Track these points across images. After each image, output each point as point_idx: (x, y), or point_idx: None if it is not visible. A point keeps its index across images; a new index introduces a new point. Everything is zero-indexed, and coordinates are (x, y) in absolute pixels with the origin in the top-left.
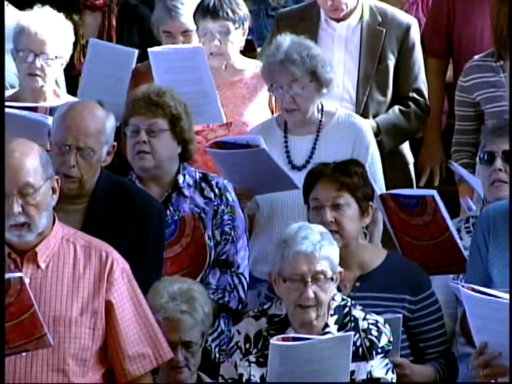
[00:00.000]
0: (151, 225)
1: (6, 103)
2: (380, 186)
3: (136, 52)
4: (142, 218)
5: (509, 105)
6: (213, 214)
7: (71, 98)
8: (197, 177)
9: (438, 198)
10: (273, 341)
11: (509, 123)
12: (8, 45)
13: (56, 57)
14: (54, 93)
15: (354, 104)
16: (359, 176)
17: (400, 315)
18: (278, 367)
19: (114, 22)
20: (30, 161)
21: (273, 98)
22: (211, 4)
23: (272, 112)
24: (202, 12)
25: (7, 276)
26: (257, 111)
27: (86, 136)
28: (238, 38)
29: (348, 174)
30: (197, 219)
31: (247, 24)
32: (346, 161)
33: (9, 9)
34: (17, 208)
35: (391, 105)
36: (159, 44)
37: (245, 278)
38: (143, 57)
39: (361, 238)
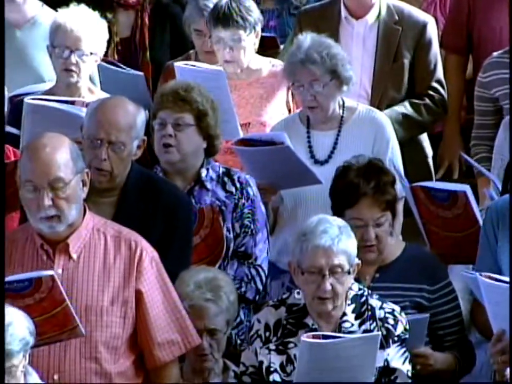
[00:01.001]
0: (180, 217)
1: (45, 96)
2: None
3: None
4: (170, 211)
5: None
6: (233, 207)
7: (105, 95)
8: (220, 172)
9: (470, 193)
10: (304, 338)
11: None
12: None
13: (90, 53)
14: (88, 89)
15: (369, 101)
16: (392, 185)
17: (427, 315)
18: (306, 363)
19: (147, 20)
20: (61, 155)
21: (290, 98)
22: (221, 13)
23: (289, 111)
24: (214, 20)
25: (39, 273)
26: (275, 111)
27: (117, 131)
28: (251, 42)
29: (388, 192)
30: (215, 211)
31: (259, 27)
32: (381, 174)
33: (45, 9)
34: (47, 202)
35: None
36: (190, 41)
37: (263, 270)
38: (174, 55)
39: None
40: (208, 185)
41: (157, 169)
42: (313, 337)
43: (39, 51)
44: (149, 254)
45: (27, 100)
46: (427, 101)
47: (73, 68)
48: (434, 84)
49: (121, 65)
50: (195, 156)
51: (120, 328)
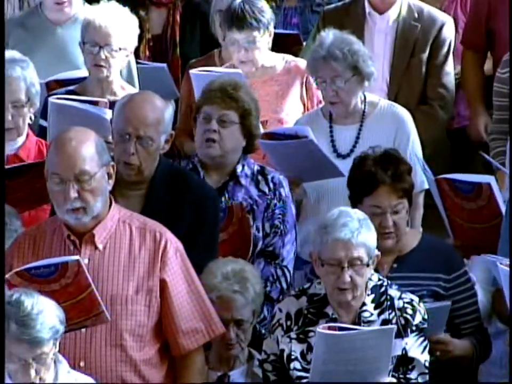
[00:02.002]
0: (207, 211)
1: (70, 96)
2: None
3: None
4: (198, 204)
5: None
6: (265, 206)
7: (135, 90)
8: (255, 169)
9: (494, 185)
10: (320, 329)
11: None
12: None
13: (120, 48)
14: (120, 85)
15: (388, 95)
16: (409, 174)
17: (449, 303)
18: (322, 354)
19: (178, 18)
20: (86, 149)
21: (304, 92)
22: (235, 16)
23: (304, 105)
24: (228, 23)
25: (65, 258)
26: (291, 107)
27: (146, 126)
28: (264, 41)
29: (405, 180)
30: (244, 209)
31: (271, 27)
32: (397, 163)
33: (86, 7)
34: (73, 194)
35: (420, 97)
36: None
37: (289, 271)
38: (203, 52)
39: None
40: (243, 181)
41: (195, 160)
42: (329, 328)
43: (78, 48)
44: (173, 244)
45: (52, 99)
46: (436, 102)
47: (103, 63)
48: (444, 80)
49: (142, 61)
50: (234, 153)
51: (145, 316)
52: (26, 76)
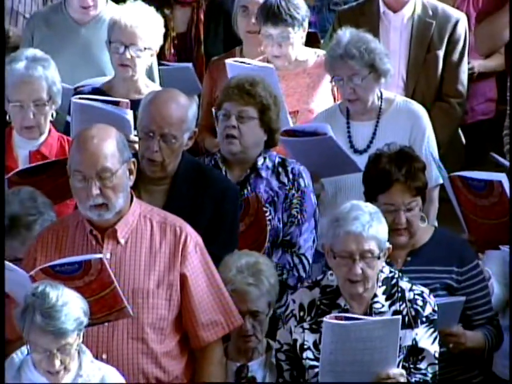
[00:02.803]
0: (227, 206)
1: (93, 96)
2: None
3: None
4: (219, 199)
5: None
6: (283, 197)
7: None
8: (276, 161)
9: (505, 182)
10: (327, 319)
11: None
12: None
13: (145, 48)
14: (144, 83)
15: (404, 90)
16: (423, 172)
17: (463, 298)
18: (330, 343)
19: (202, 17)
20: (108, 146)
21: (334, 86)
22: (271, 11)
23: (335, 99)
24: (264, 18)
25: (88, 256)
26: (321, 99)
27: (170, 124)
28: (298, 37)
29: (418, 178)
30: (260, 201)
31: (306, 23)
32: (412, 161)
33: (109, 6)
34: (95, 191)
35: (436, 94)
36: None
37: (307, 259)
38: (227, 49)
39: (420, 222)
40: (263, 174)
41: (217, 156)
42: (336, 318)
43: (102, 47)
44: (193, 239)
45: (74, 99)
46: (453, 100)
47: (128, 62)
48: (459, 87)
49: (166, 62)
50: (256, 148)
51: (165, 310)
52: (48, 75)
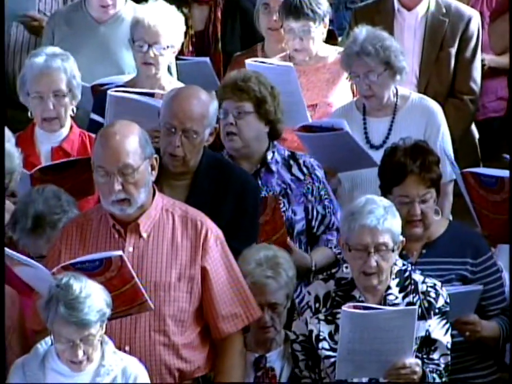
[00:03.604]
0: (248, 200)
1: (127, 89)
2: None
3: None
4: (240, 193)
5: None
6: (307, 191)
7: (182, 85)
8: (286, 155)
9: None
10: (345, 308)
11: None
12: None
13: (168, 46)
14: (167, 79)
15: (417, 87)
16: (437, 164)
17: (481, 287)
18: (348, 332)
19: (219, 15)
20: (130, 143)
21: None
22: (293, 6)
23: (353, 94)
24: (286, 12)
25: (109, 254)
26: (340, 93)
27: (191, 120)
28: (319, 32)
29: (433, 170)
30: (277, 201)
31: (327, 19)
32: (426, 154)
33: (128, 6)
34: (118, 186)
35: (449, 90)
36: (260, 34)
37: None
38: (244, 47)
39: (434, 215)
40: (273, 168)
41: (224, 154)
42: (354, 308)
43: (121, 46)
44: (213, 233)
45: (110, 91)
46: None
47: (152, 61)
48: (471, 84)
49: (184, 57)
50: (258, 141)
51: (186, 302)
52: (67, 67)
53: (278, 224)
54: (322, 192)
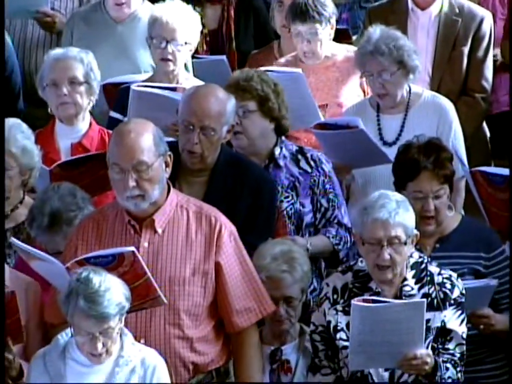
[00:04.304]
0: (264, 197)
1: (149, 83)
2: (463, 160)
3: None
4: (256, 189)
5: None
6: (311, 183)
7: (199, 82)
8: (294, 150)
9: None
10: (355, 301)
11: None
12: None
13: (185, 43)
14: (184, 77)
15: (430, 85)
16: (450, 161)
17: (496, 281)
18: (358, 325)
19: (232, 14)
20: (144, 140)
21: (364, 80)
22: (299, 9)
23: (364, 93)
24: (292, 16)
25: (121, 249)
26: (350, 93)
27: (209, 117)
28: (326, 33)
29: (446, 167)
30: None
31: (333, 20)
32: (439, 151)
33: (145, 5)
34: (132, 183)
35: (461, 88)
36: (272, 32)
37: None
38: (257, 45)
39: (447, 211)
40: (281, 163)
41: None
42: (364, 301)
43: (137, 44)
44: (227, 228)
45: (133, 86)
46: (478, 94)
47: (170, 57)
48: (483, 82)
49: (198, 56)
50: (264, 138)
51: (201, 297)
52: (84, 58)
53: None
54: (327, 186)
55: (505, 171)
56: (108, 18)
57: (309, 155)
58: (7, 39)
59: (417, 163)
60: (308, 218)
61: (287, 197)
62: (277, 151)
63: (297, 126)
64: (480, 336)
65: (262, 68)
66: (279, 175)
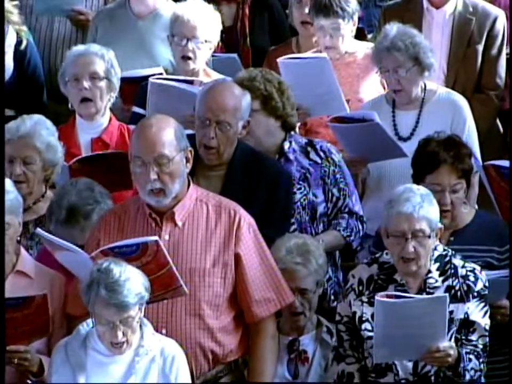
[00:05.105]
0: (280, 191)
1: (168, 76)
2: (477, 155)
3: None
4: (272, 185)
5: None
6: (322, 174)
7: (219, 77)
8: (303, 142)
9: None
10: (378, 297)
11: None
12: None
13: (205, 41)
14: (205, 72)
15: (445, 82)
16: (469, 157)
17: None
18: (382, 319)
19: (247, 11)
20: (165, 135)
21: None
22: (323, 4)
23: (384, 89)
24: (316, 10)
25: (145, 239)
26: (371, 89)
27: (224, 112)
28: (348, 29)
29: (465, 162)
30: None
31: (356, 16)
32: (459, 146)
33: (168, 3)
34: (153, 176)
35: (475, 85)
36: (286, 29)
37: (365, 225)
38: (272, 42)
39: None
40: (291, 157)
41: None
42: (387, 296)
43: (157, 40)
44: (246, 221)
45: (152, 79)
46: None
47: (190, 54)
48: (497, 69)
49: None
50: (270, 135)
51: (221, 287)
52: (105, 55)
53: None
54: (338, 176)
55: None
56: (130, 14)
57: (318, 146)
58: (30, 38)
59: (437, 156)
60: (321, 208)
61: (300, 188)
62: (286, 145)
63: (321, 112)
64: (492, 328)
65: (286, 56)
66: (290, 169)
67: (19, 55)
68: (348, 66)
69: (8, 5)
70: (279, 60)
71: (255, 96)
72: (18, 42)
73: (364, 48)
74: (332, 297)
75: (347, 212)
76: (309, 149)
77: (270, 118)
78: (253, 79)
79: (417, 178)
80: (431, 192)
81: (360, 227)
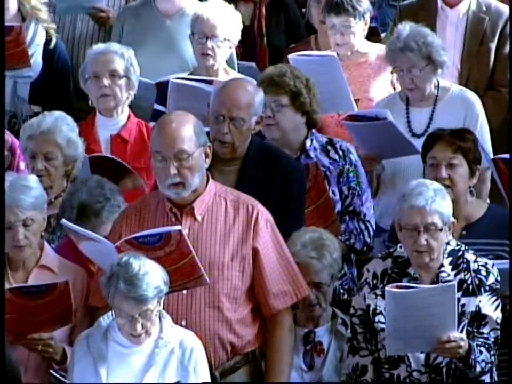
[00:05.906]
0: (294, 186)
1: (187, 76)
2: (488, 151)
3: None
4: (286, 179)
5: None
6: (338, 172)
7: (239, 76)
8: (324, 141)
9: None
10: (388, 287)
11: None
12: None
13: (225, 39)
14: (225, 71)
15: (458, 80)
16: (472, 142)
17: None
18: (392, 311)
19: (264, 11)
20: (185, 130)
21: (394, 78)
22: (334, 2)
23: (394, 89)
24: (327, 8)
25: (168, 228)
26: (381, 89)
27: (238, 108)
28: (360, 28)
29: (463, 139)
30: (319, 168)
31: (368, 16)
32: (462, 130)
33: (194, 2)
34: (173, 170)
35: (488, 83)
36: (303, 29)
37: (371, 225)
38: (288, 41)
39: (469, 195)
40: (312, 154)
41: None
42: (397, 287)
43: (185, 38)
44: (264, 216)
45: (172, 79)
46: (502, 91)
47: (209, 52)
48: (509, 77)
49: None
50: (295, 131)
51: (239, 280)
52: (125, 53)
53: (321, 188)
54: (351, 175)
55: None
56: (156, 12)
57: (338, 145)
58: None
59: (438, 135)
60: (338, 206)
61: (320, 170)
62: (308, 143)
63: (329, 110)
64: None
65: (297, 53)
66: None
67: (48, 53)
68: (360, 66)
69: (37, 2)
70: (290, 56)
71: (284, 92)
72: (47, 41)
73: (377, 49)
74: (345, 292)
75: (351, 211)
76: (329, 147)
77: (297, 113)
78: (282, 75)
79: (424, 157)
80: (429, 168)
81: (363, 227)
